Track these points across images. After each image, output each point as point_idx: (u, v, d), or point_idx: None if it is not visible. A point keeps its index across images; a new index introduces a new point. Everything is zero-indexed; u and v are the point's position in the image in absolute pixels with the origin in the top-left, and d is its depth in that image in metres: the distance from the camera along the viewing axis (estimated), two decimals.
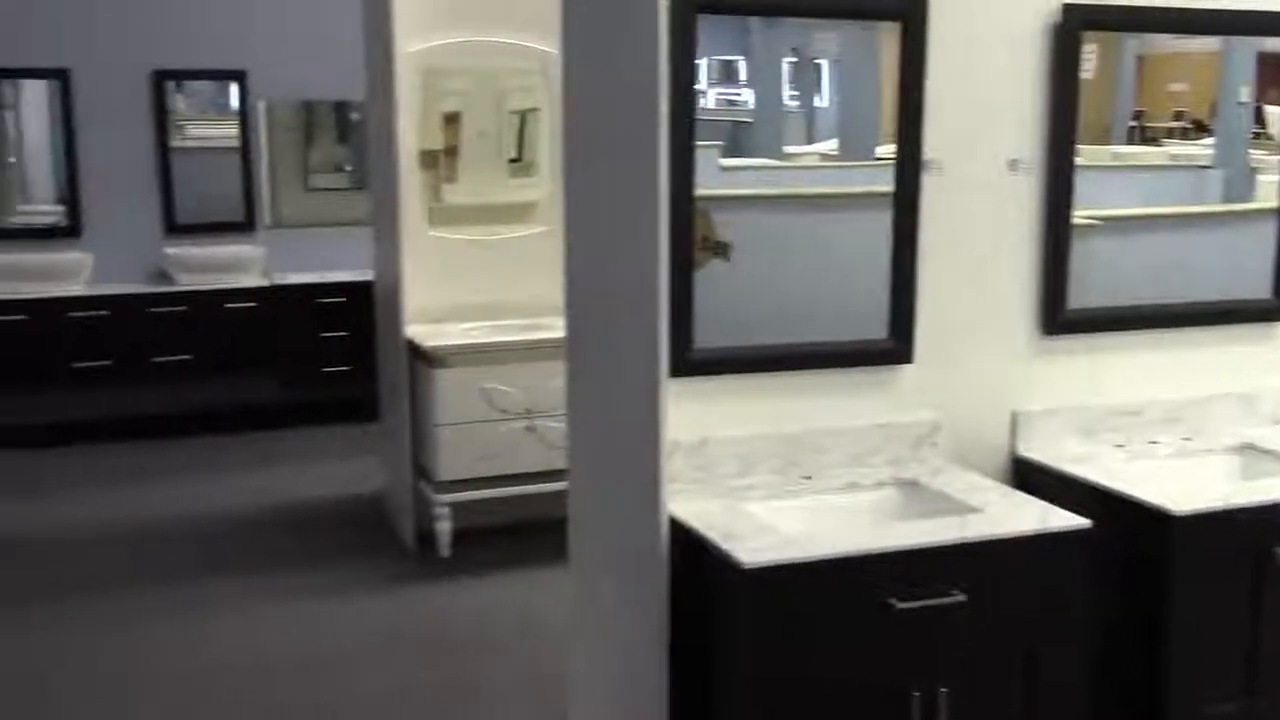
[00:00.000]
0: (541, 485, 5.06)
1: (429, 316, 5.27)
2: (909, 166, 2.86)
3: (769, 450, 2.85)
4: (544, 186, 5.59)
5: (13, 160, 7.59)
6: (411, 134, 5.27)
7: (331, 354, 7.35)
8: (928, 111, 2.85)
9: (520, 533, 5.25)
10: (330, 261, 7.60)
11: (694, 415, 2.77)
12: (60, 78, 7.28)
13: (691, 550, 2.56)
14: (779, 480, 2.83)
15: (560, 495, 5.43)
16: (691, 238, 2.70)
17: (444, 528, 5.07)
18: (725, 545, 2.44)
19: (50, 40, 7.19)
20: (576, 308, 3.09)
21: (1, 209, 7.37)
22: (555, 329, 5.11)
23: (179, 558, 5.24)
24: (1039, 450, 3.03)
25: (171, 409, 7.26)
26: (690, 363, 2.73)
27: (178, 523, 5.67)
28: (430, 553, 5.12)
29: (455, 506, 5.06)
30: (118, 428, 7.06)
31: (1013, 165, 2.97)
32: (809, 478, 2.85)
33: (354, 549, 5.30)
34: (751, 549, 2.42)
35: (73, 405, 7.10)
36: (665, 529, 2.59)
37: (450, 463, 4.99)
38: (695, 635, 2.59)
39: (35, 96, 7.50)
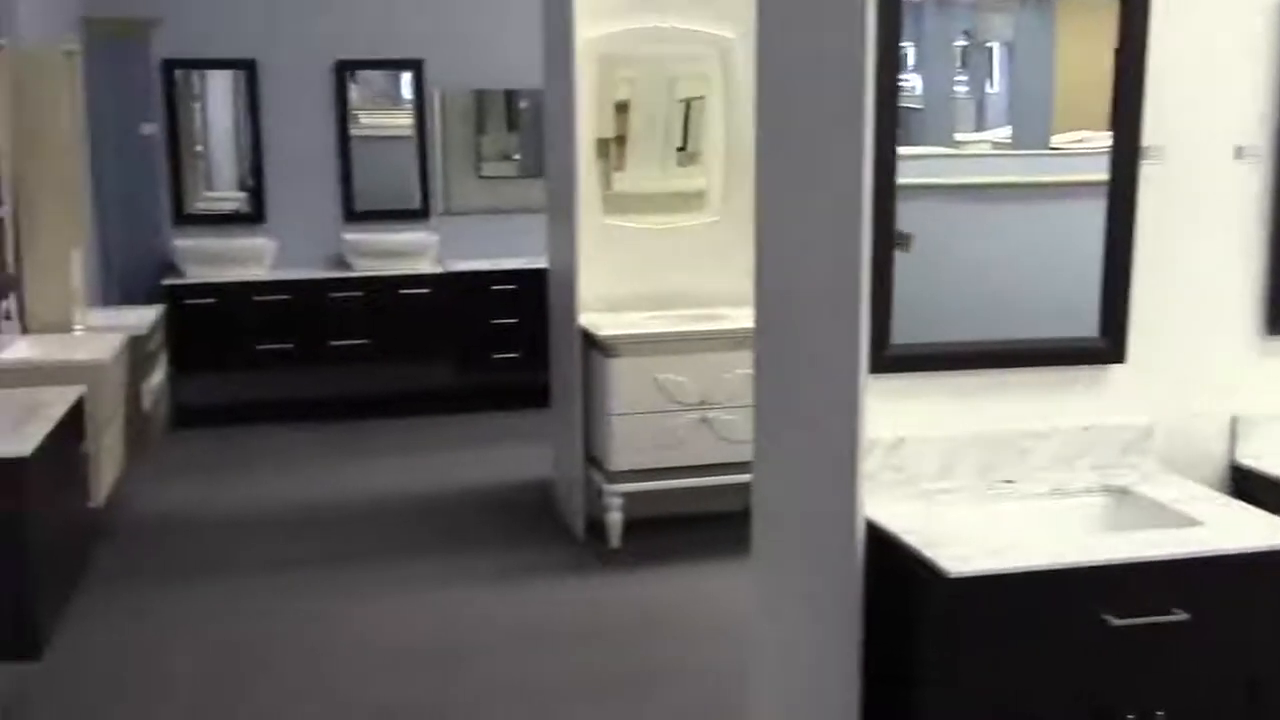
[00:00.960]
0: (714, 478, 4.99)
1: (602, 305, 5.23)
2: (1125, 153, 2.67)
3: (968, 451, 2.70)
4: (710, 176, 5.50)
5: (200, 149, 7.82)
6: (587, 121, 5.23)
7: (502, 340, 7.40)
8: (1146, 94, 2.66)
9: (691, 525, 5.19)
10: (499, 249, 7.64)
11: (890, 413, 2.64)
12: (247, 68, 7.47)
13: (887, 553, 2.44)
14: (979, 483, 2.69)
15: (733, 489, 5.36)
16: (892, 229, 2.57)
17: (615, 518, 5.03)
18: (927, 552, 2.31)
19: (238, 32, 7.39)
20: (766, 300, 2.99)
21: (190, 196, 7.60)
22: (730, 319, 5.05)
23: (348, 539, 5.32)
24: (1262, 458, 2.81)
25: (348, 392, 7.41)
26: (887, 359, 2.60)
27: (349, 504, 5.76)
28: (599, 542, 5.09)
29: (626, 497, 5.01)
30: (297, 409, 7.24)
31: (1239, 152, 2.76)
32: (1011, 481, 2.70)
33: (523, 535, 5.31)
34: (956, 557, 2.28)
35: (256, 386, 7.30)
36: (862, 530, 2.48)
37: (622, 453, 4.94)
38: (889, 640, 2.47)
39: (222, 87, 7.72)
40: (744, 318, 5.13)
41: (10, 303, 5.13)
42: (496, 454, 6.48)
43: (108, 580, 4.75)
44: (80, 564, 4.48)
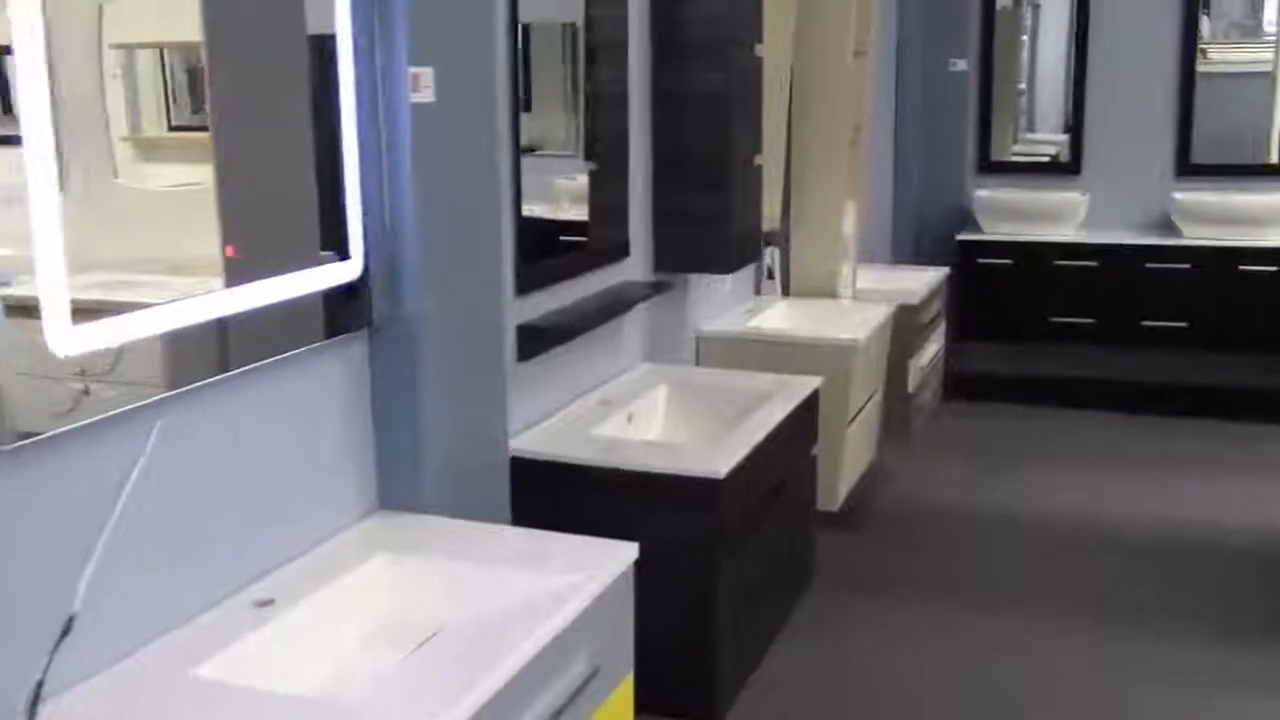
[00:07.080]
0: None
1: None
2: None
3: None
4: None
5: (1022, 87, 6.67)
6: None
7: None
8: None
9: None
10: None
11: None
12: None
13: None
14: None
15: None
16: None
17: None
18: None
19: None
20: None
21: (999, 141, 6.48)
22: None
23: (1123, 578, 3.96)
24: None
25: (1157, 382, 5.90)
26: None
27: (1133, 527, 4.36)
28: None
29: None
30: (1091, 394, 5.89)
31: None
32: None
33: None
34: None
35: (1044, 362, 6.06)
36: None
37: None
38: None
39: (1056, 18, 6.46)
40: None
41: (774, 260, 4.40)
42: None
43: (839, 585, 3.88)
44: (797, 586, 3.65)
